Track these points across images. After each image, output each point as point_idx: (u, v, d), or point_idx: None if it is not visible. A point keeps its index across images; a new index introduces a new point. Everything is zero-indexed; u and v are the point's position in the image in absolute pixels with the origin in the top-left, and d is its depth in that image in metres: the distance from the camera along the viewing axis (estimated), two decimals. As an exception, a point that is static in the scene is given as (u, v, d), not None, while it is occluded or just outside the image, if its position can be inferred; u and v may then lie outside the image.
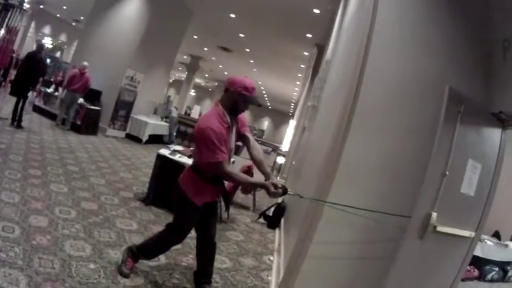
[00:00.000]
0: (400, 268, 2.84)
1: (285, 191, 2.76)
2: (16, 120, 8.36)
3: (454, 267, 3.13)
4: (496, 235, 5.86)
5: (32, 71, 8.48)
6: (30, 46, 9.99)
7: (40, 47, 9.00)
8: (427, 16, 3.19)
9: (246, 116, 3.20)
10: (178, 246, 4.23)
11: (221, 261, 4.21)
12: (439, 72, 3.12)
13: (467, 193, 3.01)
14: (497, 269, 5.47)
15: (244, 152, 14.31)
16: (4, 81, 8.20)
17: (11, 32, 6.87)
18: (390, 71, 3.09)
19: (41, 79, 9.34)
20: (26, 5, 7.69)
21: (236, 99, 2.89)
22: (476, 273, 5.41)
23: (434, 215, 2.80)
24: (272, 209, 6.47)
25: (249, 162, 6.53)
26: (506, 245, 5.46)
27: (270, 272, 4.30)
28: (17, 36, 7.11)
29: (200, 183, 3.05)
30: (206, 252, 3.28)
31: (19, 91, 8.47)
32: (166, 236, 3.28)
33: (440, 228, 2.83)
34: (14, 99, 8.47)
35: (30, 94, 9.57)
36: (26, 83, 8.50)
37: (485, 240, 5.31)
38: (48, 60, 17.83)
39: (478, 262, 5.29)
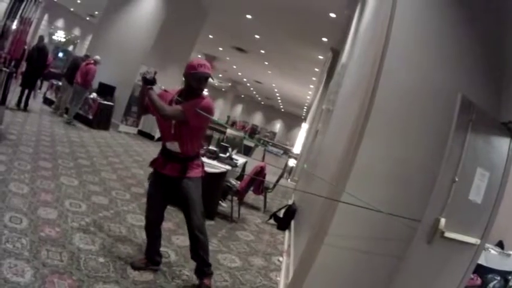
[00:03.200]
0: (407, 273, 2.81)
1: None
2: (21, 103, 9.10)
3: (458, 274, 3.08)
4: (500, 244, 5.79)
5: (38, 62, 9.11)
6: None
7: (40, 38, 9.54)
8: (442, 25, 3.20)
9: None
10: (188, 243, 4.19)
11: (231, 260, 4.15)
12: (453, 80, 3.12)
13: (475, 200, 2.97)
14: (499, 278, 5.38)
15: (256, 154, 14.29)
16: (16, 72, 8.29)
17: (24, 23, 6.84)
18: (405, 77, 3.09)
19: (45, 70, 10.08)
20: (41, -4, 7.69)
21: (188, 79, 3.22)
22: (479, 281, 5.32)
23: (442, 220, 2.76)
24: (283, 210, 6.45)
25: (262, 163, 6.50)
26: (509, 255, 5.38)
27: (278, 272, 4.24)
28: (30, 28, 7.07)
29: (159, 153, 3.40)
30: (190, 242, 3.28)
31: (28, 83, 9.02)
32: None
33: (447, 234, 2.79)
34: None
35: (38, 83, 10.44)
36: (34, 75, 9.11)
37: (489, 249, 5.25)
38: (60, 54, 18.01)
39: (481, 271, 5.22)
